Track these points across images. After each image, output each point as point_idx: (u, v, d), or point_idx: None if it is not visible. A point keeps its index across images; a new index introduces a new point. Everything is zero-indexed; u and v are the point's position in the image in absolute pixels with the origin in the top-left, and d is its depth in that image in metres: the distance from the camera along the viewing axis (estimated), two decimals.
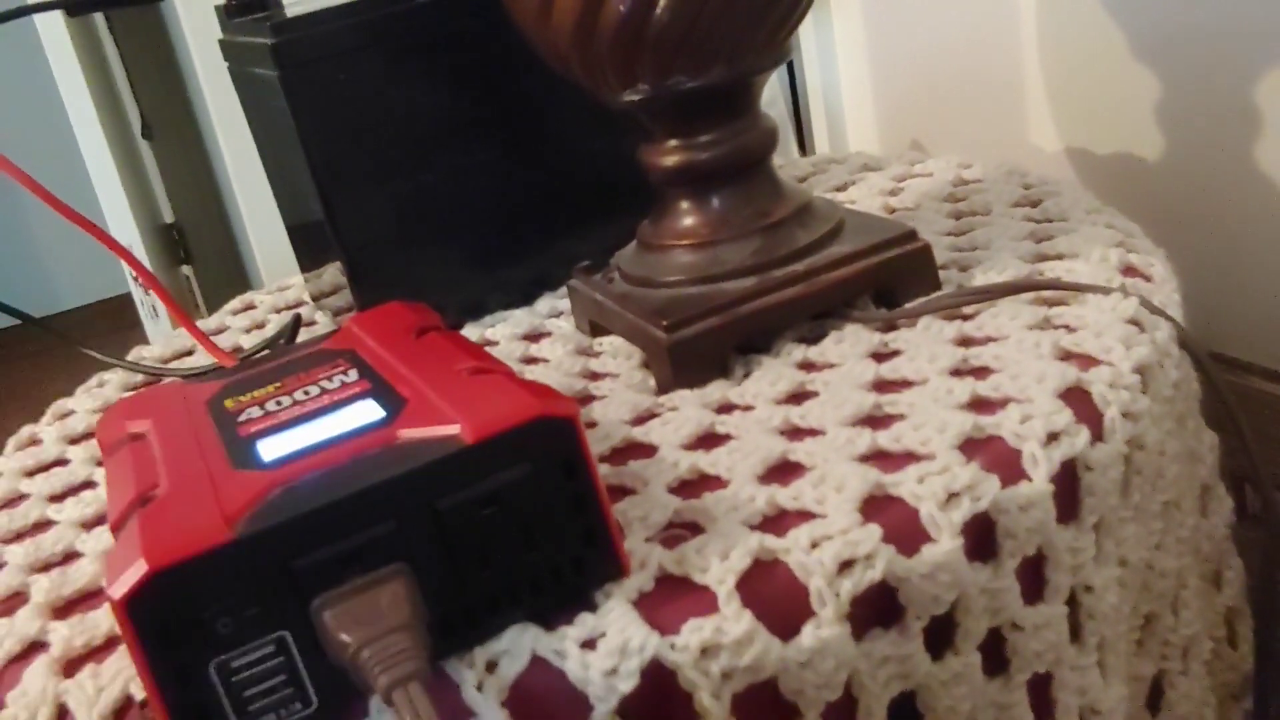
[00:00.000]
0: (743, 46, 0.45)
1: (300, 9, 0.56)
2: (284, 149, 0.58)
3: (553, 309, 0.58)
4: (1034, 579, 0.37)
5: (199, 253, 1.99)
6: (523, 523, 0.32)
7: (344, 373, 0.38)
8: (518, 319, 0.58)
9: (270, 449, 0.33)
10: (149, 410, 0.40)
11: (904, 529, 0.34)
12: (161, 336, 0.68)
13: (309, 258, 0.65)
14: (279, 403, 0.37)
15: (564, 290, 0.57)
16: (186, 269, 1.98)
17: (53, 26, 1.60)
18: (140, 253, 1.79)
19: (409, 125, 0.56)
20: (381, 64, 0.55)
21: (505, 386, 0.34)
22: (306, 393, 0.37)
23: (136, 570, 0.28)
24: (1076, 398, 0.39)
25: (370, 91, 0.55)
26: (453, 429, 0.31)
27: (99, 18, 1.79)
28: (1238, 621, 0.50)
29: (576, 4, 0.43)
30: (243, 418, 0.37)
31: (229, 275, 2.01)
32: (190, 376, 0.55)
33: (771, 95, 0.89)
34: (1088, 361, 0.41)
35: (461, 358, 0.37)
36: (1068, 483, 0.37)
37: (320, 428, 0.34)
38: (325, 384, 0.38)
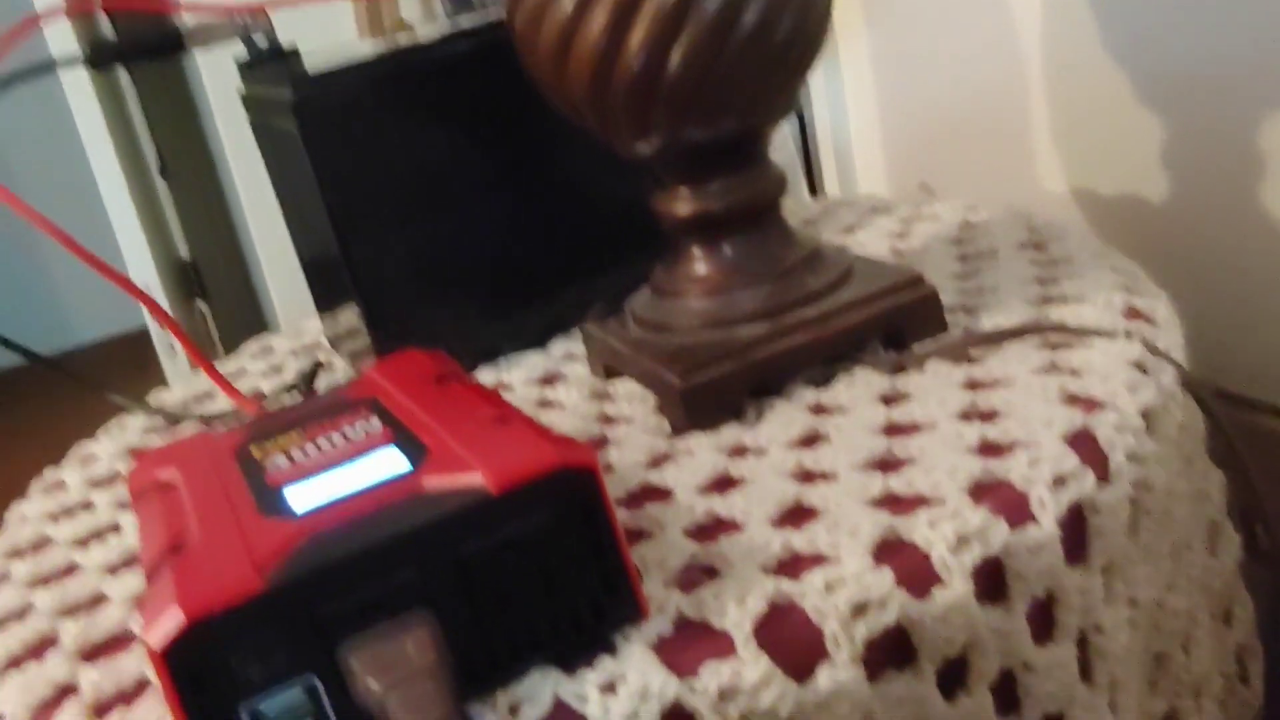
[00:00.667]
0: (753, 100, 0.46)
1: (319, 62, 0.57)
2: (303, 199, 0.59)
3: (567, 352, 0.59)
4: (1044, 620, 0.38)
5: (214, 289, 2.00)
6: (544, 569, 0.33)
7: (367, 421, 0.39)
8: (532, 363, 0.59)
9: (297, 498, 0.34)
10: (178, 460, 0.41)
11: (916, 572, 0.35)
12: (179, 374, 0.69)
13: (326, 302, 0.66)
14: (305, 451, 0.38)
15: (577, 334, 0.58)
16: (202, 304, 2.00)
17: (80, 91, 1.62)
18: (157, 288, 1.81)
19: (425, 174, 0.58)
20: (398, 117, 0.56)
21: (526, 436, 0.35)
22: (331, 441, 0.38)
23: (173, 620, 0.29)
24: (1083, 441, 0.40)
25: (388, 143, 0.56)
26: (476, 478, 0.32)
27: (126, 83, 1.82)
28: (1249, 658, 0.50)
29: (592, 58, 0.44)
30: (270, 466, 0.38)
31: (244, 310, 2.03)
32: (212, 419, 0.56)
33: (781, 138, 0.91)
34: (1093, 405, 0.42)
35: (482, 406, 0.38)
36: (1076, 525, 0.38)
37: (346, 476, 0.35)
38: (349, 432, 0.39)
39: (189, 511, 0.36)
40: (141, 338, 1.89)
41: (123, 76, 1.82)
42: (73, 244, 0.53)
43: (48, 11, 0.59)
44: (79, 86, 1.62)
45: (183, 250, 1.98)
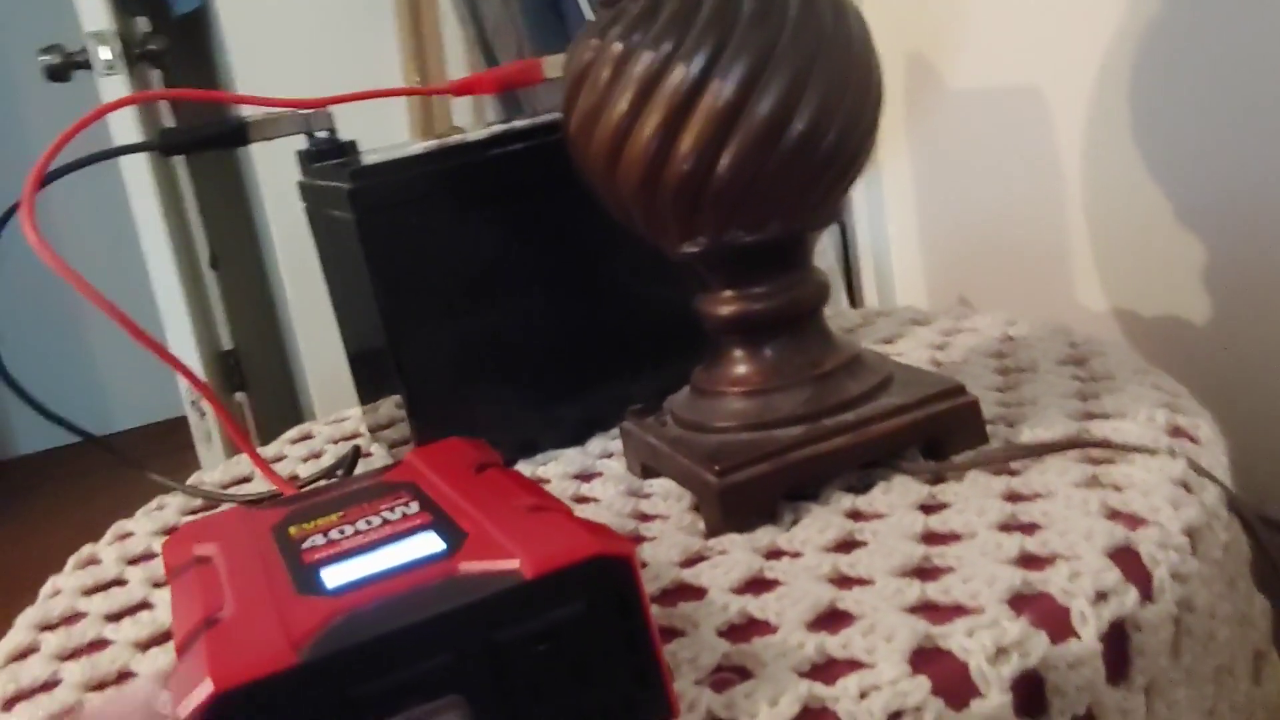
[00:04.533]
0: (798, 205, 0.47)
1: (377, 158, 0.59)
2: (354, 287, 0.60)
3: (604, 449, 0.59)
4: None
5: (254, 380, 2.03)
6: (577, 659, 0.32)
7: (405, 504, 0.40)
8: (570, 458, 0.59)
9: (333, 576, 0.35)
10: (215, 534, 0.41)
11: (953, 682, 0.34)
12: (214, 461, 0.70)
13: (369, 391, 0.67)
14: (342, 531, 0.38)
15: (616, 431, 0.58)
16: (241, 395, 2.02)
17: (137, 174, 1.67)
18: (199, 378, 1.84)
19: (474, 268, 0.59)
20: (452, 211, 0.58)
21: (564, 524, 0.35)
22: (369, 522, 0.38)
23: (203, 690, 0.29)
24: (1125, 557, 0.39)
25: (440, 236, 0.58)
26: (512, 564, 0.32)
27: (181, 167, 1.88)
28: None
29: (643, 159, 0.46)
30: (306, 545, 0.38)
31: (281, 403, 2.05)
32: (250, 503, 0.57)
33: (822, 248, 0.92)
34: (1135, 521, 0.41)
35: (521, 495, 0.39)
36: (1117, 642, 0.37)
37: (382, 557, 0.35)
38: (387, 515, 0.39)
39: (224, 585, 0.36)
40: (177, 425, 1.91)
41: (180, 168, 1.88)
42: (132, 325, 0.55)
43: (121, 101, 0.61)
44: (138, 176, 1.67)
45: (225, 341, 2.02)
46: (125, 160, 1.70)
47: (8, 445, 3.10)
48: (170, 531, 0.60)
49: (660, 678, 0.33)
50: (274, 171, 1.51)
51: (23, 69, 2.85)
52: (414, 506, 0.39)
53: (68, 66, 1.53)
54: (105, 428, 2.96)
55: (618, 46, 0.46)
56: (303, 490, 0.47)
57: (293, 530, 0.40)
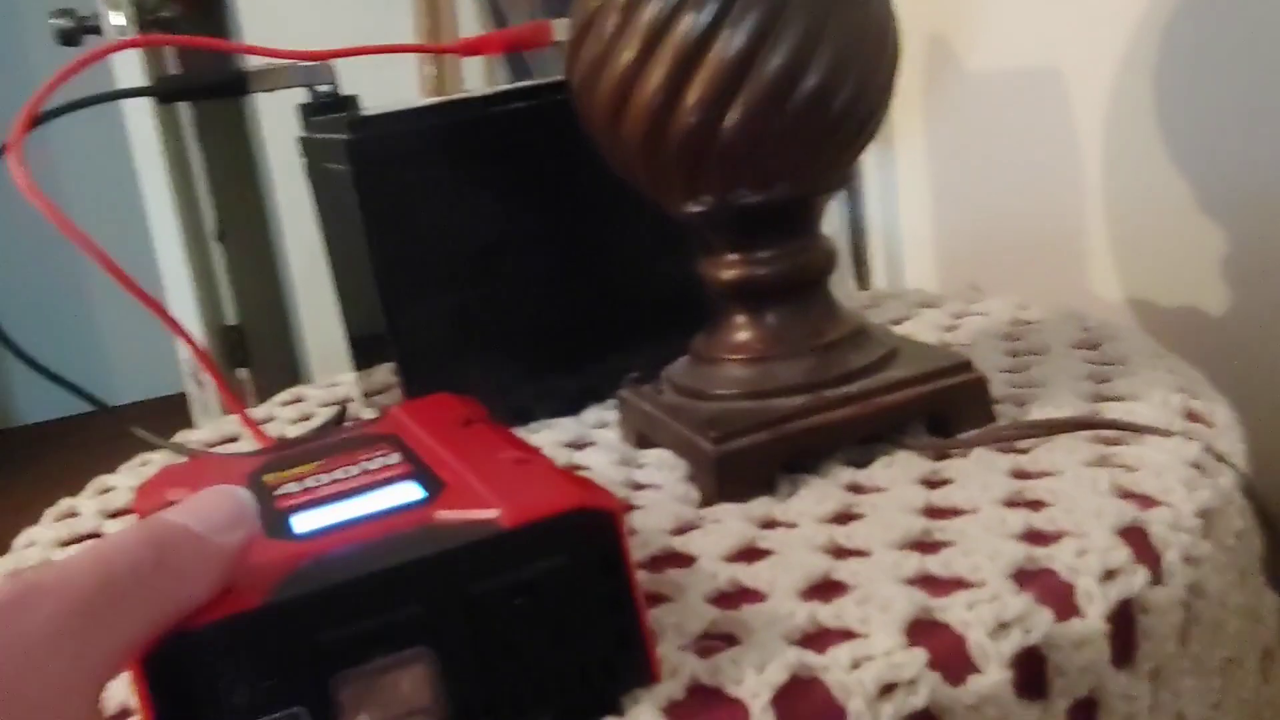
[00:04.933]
0: (807, 166, 0.45)
1: (377, 111, 0.57)
2: (350, 244, 0.59)
3: (600, 420, 0.58)
4: None
5: (258, 355, 2.02)
6: (555, 616, 0.31)
7: (385, 455, 0.38)
8: (564, 427, 0.57)
9: (305, 522, 0.33)
10: (189, 481, 0.39)
11: (950, 656, 0.33)
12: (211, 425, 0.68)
13: (363, 355, 0.65)
14: (318, 479, 0.37)
15: (612, 403, 0.57)
16: (243, 371, 2.01)
17: (141, 125, 1.66)
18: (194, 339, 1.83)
19: (472, 229, 0.57)
20: (451, 169, 0.56)
21: (548, 476, 0.33)
22: (347, 471, 0.37)
23: None
24: (1135, 537, 0.38)
25: (438, 194, 0.56)
26: (491, 513, 0.31)
27: (186, 120, 1.87)
28: None
29: (648, 112, 0.44)
30: (280, 491, 0.36)
31: (285, 381, 2.04)
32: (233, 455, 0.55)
33: (832, 229, 0.90)
34: (1147, 502, 0.40)
35: (506, 448, 0.37)
36: (1123, 624, 0.36)
37: (356, 505, 0.34)
38: (366, 464, 0.37)
39: None
40: (178, 400, 1.90)
41: (191, 141, 1.87)
42: (125, 278, 0.53)
43: (122, 43, 0.59)
44: (146, 146, 1.66)
45: (230, 316, 2.01)
46: (134, 130, 1.69)
47: (9, 414, 3.10)
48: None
49: (642, 641, 0.32)
50: (285, 147, 1.50)
51: (34, 32, 2.84)
52: (394, 457, 0.38)
53: (79, 31, 1.52)
54: (107, 401, 2.95)
55: None
56: (284, 443, 0.45)
57: (268, 478, 0.38)
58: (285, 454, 0.41)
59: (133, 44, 0.66)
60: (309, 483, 0.37)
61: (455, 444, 0.38)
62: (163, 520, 0.28)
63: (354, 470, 0.37)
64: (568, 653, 0.31)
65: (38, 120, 0.54)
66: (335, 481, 0.36)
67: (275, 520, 0.34)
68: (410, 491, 0.34)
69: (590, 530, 0.31)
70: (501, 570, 0.30)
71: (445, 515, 0.32)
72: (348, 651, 0.29)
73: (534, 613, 0.30)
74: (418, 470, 0.36)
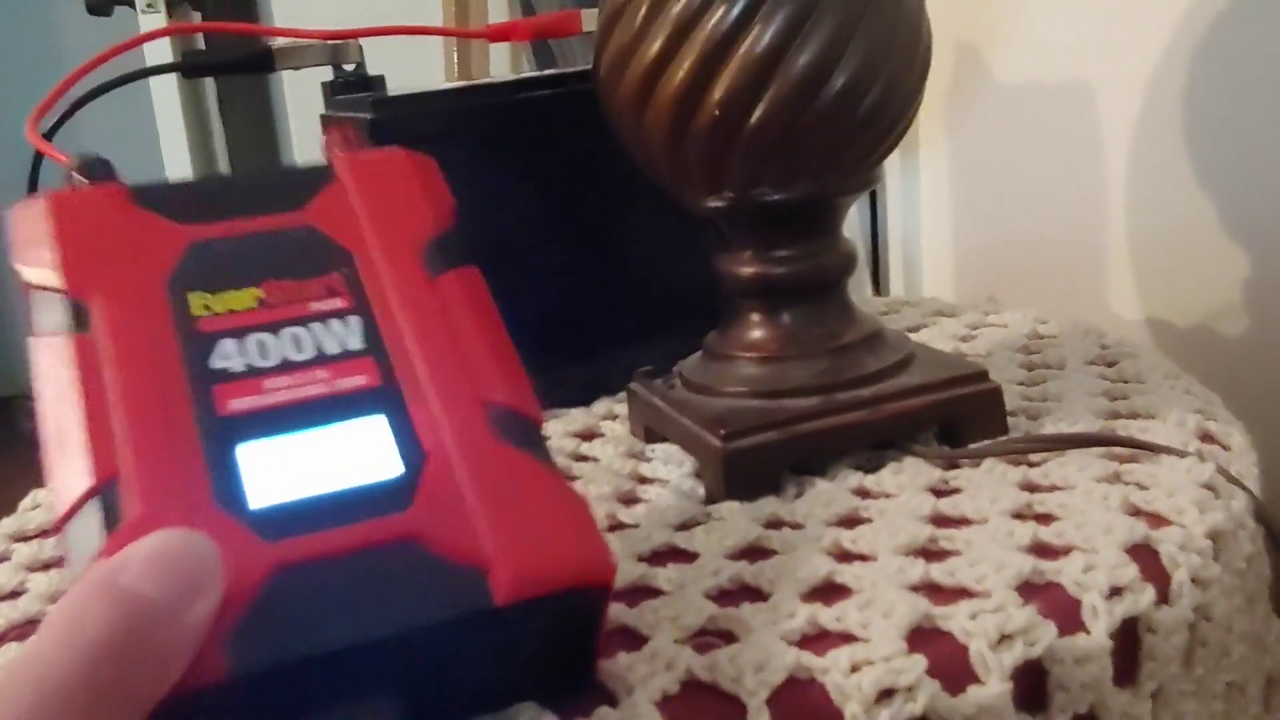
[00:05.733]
0: (830, 166, 0.45)
1: (401, 92, 0.57)
2: None
3: (609, 412, 0.57)
4: None
5: None
6: (520, 663, 0.30)
7: (342, 319, 0.31)
8: (573, 417, 0.57)
9: (258, 478, 0.27)
10: (94, 264, 0.30)
11: (951, 665, 0.32)
12: None
13: None
14: (263, 349, 0.29)
15: (622, 396, 0.57)
16: None
17: (166, 95, 1.67)
18: None
19: (491, 215, 0.57)
20: (473, 152, 0.56)
21: (546, 511, 0.28)
22: (298, 345, 0.30)
23: None
24: (1143, 555, 0.37)
25: (459, 177, 0.55)
26: (480, 576, 0.27)
27: (211, 98, 1.87)
28: None
29: (673, 104, 0.44)
30: (216, 359, 0.29)
31: None
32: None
33: (850, 233, 0.90)
34: (1158, 521, 0.39)
35: (489, 375, 0.31)
36: (1128, 642, 0.35)
37: (322, 461, 0.28)
38: (322, 336, 0.30)
39: (112, 406, 0.27)
40: None
41: (212, 110, 1.87)
42: None
43: (150, 33, 0.59)
44: (168, 109, 1.67)
45: None
46: (158, 99, 1.70)
47: (13, 383, 3.11)
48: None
49: (593, 663, 0.31)
50: (306, 121, 1.50)
51: (64, 1, 2.85)
52: (354, 333, 0.30)
53: (109, 1, 1.52)
54: None
55: None
56: (211, 200, 0.33)
57: (195, 305, 0.30)
58: (210, 248, 0.31)
59: (163, 33, 0.65)
60: (251, 351, 0.29)
61: (424, 327, 0.31)
62: (127, 593, 0.24)
63: (307, 343, 0.30)
64: (523, 677, 0.30)
65: (72, 110, 0.53)
66: (286, 372, 0.29)
67: (219, 447, 0.27)
68: (385, 454, 0.28)
69: (584, 601, 0.28)
70: (484, 637, 0.28)
71: (427, 553, 0.27)
72: (312, 704, 0.26)
73: (501, 663, 0.29)
74: (385, 384, 0.29)
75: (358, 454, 0.28)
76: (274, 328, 0.30)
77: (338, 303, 0.31)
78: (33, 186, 0.53)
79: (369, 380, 0.29)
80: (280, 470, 0.27)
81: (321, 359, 0.29)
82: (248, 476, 0.27)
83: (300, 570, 0.26)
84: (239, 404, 0.28)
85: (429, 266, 0.33)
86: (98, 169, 0.33)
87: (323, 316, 0.30)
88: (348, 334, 0.30)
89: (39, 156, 0.51)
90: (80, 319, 0.29)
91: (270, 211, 0.32)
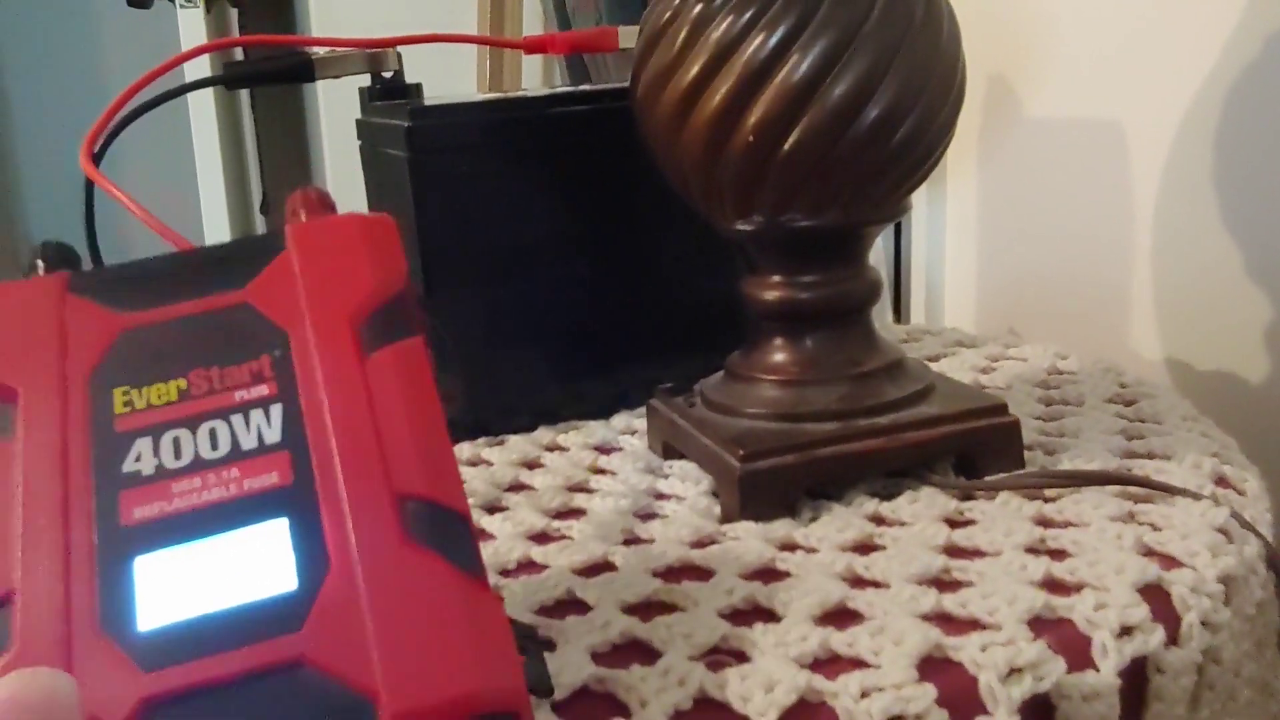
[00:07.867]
0: (861, 195, 0.46)
1: (438, 101, 0.58)
2: (398, 229, 0.59)
3: (628, 426, 0.58)
4: None
5: None
6: None
7: (264, 408, 0.28)
8: (592, 429, 0.58)
9: (149, 599, 0.25)
10: (21, 365, 0.29)
11: (959, 695, 0.33)
12: None
13: None
14: (176, 448, 0.28)
15: (642, 411, 0.57)
16: None
17: (202, 109, 1.69)
18: None
19: (521, 227, 0.58)
20: (506, 163, 0.57)
21: (450, 630, 0.25)
22: (214, 443, 0.28)
23: None
24: (1155, 596, 0.37)
25: (492, 188, 0.57)
26: (368, 705, 0.24)
27: (244, 99, 1.89)
28: None
29: (709, 127, 0.44)
30: (129, 462, 0.27)
31: None
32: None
33: (874, 260, 0.90)
34: (1170, 562, 0.39)
35: (409, 466, 0.28)
36: (1136, 682, 0.36)
37: (216, 572, 0.26)
38: (238, 428, 0.28)
39: (14, 517, 0.26)
40: None
41: (245, 115, 1.89)
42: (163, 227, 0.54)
43: (191, 51, 0.60)
44: (204, 120, 1.68)
45: None
46: (196, 115, 1.71)
47: None
48: None
49: None
50: (339, 127, 1.51)
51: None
52: (274, 419, 0.28)
53: None
54: None
55: (698, 8, 0.45)
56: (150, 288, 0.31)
57: (117, 401, 0.28)
58: (142, 334, 0.30)
59: (205, 50, 0.66)
60: (165, 453, 0.28)
61: (347, 416, 0.28)
62: None
63: (222, 445, 0.28)
64: None
65: (116, 132, 0.54)
66: (198, 473, 0.27)
67: (114, 566, 0.26)
68: (282, 567, 0.26)
69: None
70: None
71: (315, 676, 0.24)
72: None
73: None
74: (297, 484, 0.27)
75: (254, 566, 0.26)
76: (193, 423, 0.28)
77: (263, 390, 0.29)
78: (89, 212, 0.54)
79: (280, 479, 0.27)
80: (175, 585, 0.26)
81: (235, 455, 0.28)
82: (141, 594, 0.25)
83: (175, 704, 0.24)
84: (143, 511, 0.27)
85: (365, 343, 0.30)
86: (55, 257, 0.32)
87: (245, 406, 0.29)
88: (267, 426, 0.28)
89: (90, 185, 0.51)
90: (2, 422, 0.28)
91: (210, 291, 0.31)
